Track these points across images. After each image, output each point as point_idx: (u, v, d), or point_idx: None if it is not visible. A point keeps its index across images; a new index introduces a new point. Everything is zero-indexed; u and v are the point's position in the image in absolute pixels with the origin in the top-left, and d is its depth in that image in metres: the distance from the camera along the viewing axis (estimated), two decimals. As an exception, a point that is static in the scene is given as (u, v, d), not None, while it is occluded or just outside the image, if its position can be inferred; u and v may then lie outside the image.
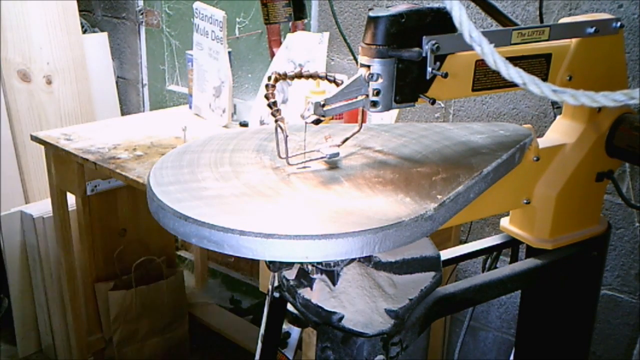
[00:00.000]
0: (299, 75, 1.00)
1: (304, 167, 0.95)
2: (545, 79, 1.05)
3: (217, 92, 2.21)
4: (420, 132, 1.11)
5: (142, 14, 2.82)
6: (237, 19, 2.42)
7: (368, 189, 0.88)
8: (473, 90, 1.01)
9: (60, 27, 2.62)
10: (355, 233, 0.76)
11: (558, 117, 1.18)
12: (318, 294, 0.92)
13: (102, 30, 2.93)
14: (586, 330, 1.26)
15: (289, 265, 0.92)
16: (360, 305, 0.90)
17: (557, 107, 1.26)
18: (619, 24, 1.07)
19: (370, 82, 0.91)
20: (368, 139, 1.07)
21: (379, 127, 1.14)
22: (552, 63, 1.06)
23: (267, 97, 0.97)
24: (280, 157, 0.95)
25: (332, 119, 1.58)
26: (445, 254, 1.14)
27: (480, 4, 1.11)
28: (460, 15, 0.76)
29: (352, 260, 0.92)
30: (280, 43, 2.06)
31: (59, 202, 2.16)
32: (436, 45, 0.91)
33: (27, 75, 2.54)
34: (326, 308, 0.89)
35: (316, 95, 1.75)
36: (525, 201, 1.11)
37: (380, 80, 0.90)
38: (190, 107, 2.37)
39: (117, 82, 2.95)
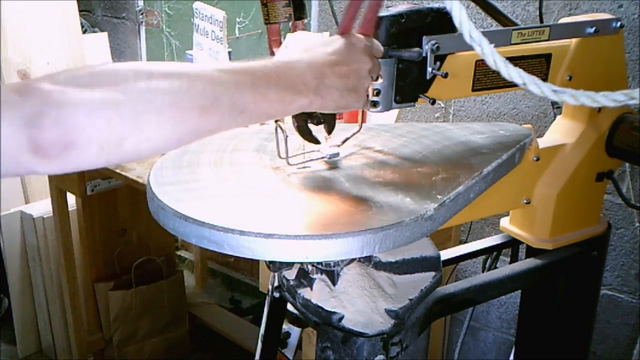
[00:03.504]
0: (299, 75, 1.00)
1: (304, 167, 0.95)
2: (545, 79, 1.05)
3: (217, 92, 2.21)
4: (420, 132, 1.11)
5: (142, 14, 2.82)
6: (237, 19, 2.42)
7: (368, 189, 0.88)
8: (473, 90, 1.01)
9: (60, 27, 2.62)
10: (355, 233, 0.76)
11: (558, 117, 1.17)
12: (318, 294, 0.92)
13: (102, 30, 2.93)
14: (586, 330, 1.26)
15: (289, 265, 0.92)
16: (360, 305, 0.90)
17: (557, 107, 1.27)
18: (619, 24, 1.07)
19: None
20: (368, 139, 1.07)
21: (379, 127, 1.14)
22: (552, 63, 1.06)
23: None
24: (280, 157, 0.95)
25: (332, 119, 1.58)
26: (445, 254, 1.14)
27: (480, 4, 1.11)
28: (460, 15, 0.76)
29: (352, 260, 0.92)
30: (280, 43, 2.06)
31: (59, 202, 2.16)
32: (436, 45, 0.91)
33: (27, 75, 2.54)
34: (326, 308, 0.89)
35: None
36: (525, 201, 1.11)
37: (380, 80, 0.90)
38: (190, 107, 2.37)
39: (117, 82, 2.95)
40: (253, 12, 2.38)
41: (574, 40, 1.07)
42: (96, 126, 0.61)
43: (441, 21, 0.90)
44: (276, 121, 0.95)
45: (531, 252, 1.15)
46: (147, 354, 2.46)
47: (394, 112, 1.83)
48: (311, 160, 0.96)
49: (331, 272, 0.92)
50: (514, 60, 0.97)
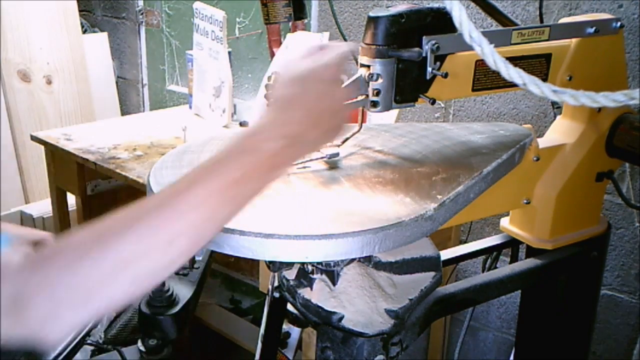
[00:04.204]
0: (299, 75, 1.00)
1: (304, 167, 0.95)
2: (545, 79, 1.05)
3: (217, 92, 2.21)
4: (420, 132, 1.11)
5: (142, 14, 2.82)
6: (237, 19, 2.42)
7: (368, 189, 0.88)
8: (473, 90, 1.01)
9: (60, 27, 2.62)
10: (355, 233, 0.76)
11: (558, 117, 1.17)
12: (318, 294, 0.92)
13: (102, 30, 2.93)
14: (586, 330, 1.26)
15: (289, 265, 0.92)
16: (360, 305, 0.90)
17: (557, 107, 1.26)
18: (619, 24, 1.07)
19: (370, 82, 0.91)
20: (368, 139, 1.07)
21: (379, 127, 1.14)
22: (552, 63, 1.06)
23: (267, 97, 0.96)
24: (280, 157, 0.94)
25: (332, 119, 1.57)
26: (445, 254, 1.14)
27: (480, 4, 1.11)
28: (460, 15, 0.76)
29: (352, 260, 0.92)
30: (280, 43, 2.05)
31: (59, 202, 2.16)
32: (436, 45, 0.91)
33: (27, 75, 2.54)
34: (326, 308, 0.89)
35: (316, 95, 1.74)
36: (525, 201, 1.11)
37: (380, 80, 0.90)
38: (190, 107, 2.37)
39: (117, 82, 2.95)
40: (253, 12, 2.38)
41: (574, 40, 1.07)
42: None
43: (441, 21, 0.90)
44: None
45: (531, 252, 1.15)
46: (147, 353, 2.45)
47: (394, 112, 1.83)
48: (311, 160, 0.96)
49: (331, 272, 0.92)
50: (514, 60, 0.97)
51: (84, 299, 0.61)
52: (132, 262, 0.62)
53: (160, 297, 1.45)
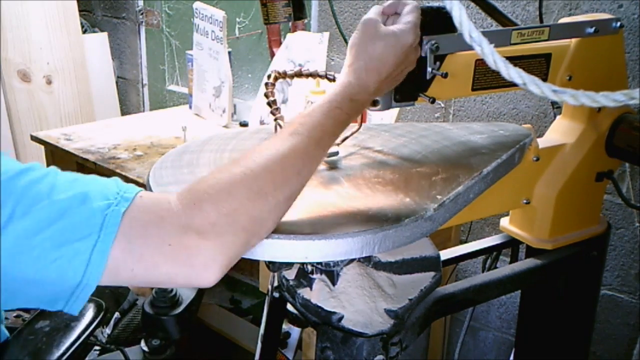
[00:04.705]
0: (299, 74, 1.00)
1: (304, 167, 0.94)
2: (545, 79, 1.05)
3: (217, 92, 2.21)
4: (420, 132, 1.11)
5: (142, 14, 2.81)
6: (237, 19, 2.42)
7: (368, 189, 0.88)
8: (473, 90, 1.01)
9: (60, 27, 2.62)
10: (355, 233, 0.76)
11: (558, 117, 1.17)
12: (318, 294, 0.92)
13: (102, 30, 2.93)
14: (586, 330, 1.26)
15: (289, 265, 0.92)
16: (359, 305, 0.90)
17: (557, 107, 1.26)
18: (618, 24, 1.07)
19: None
20: (368, 138, 1.07)
21: (378, 127, 1.14)
22: (552, 63, 1.06)
23: (266, 95, 0.97)
24: (279, 157, 0.94)
25: (332, 119, 1.57)
26: (445, 254, 1.14)
27: (480, 4, 1.11)
28: (460, 15, 0.76)
29: (352, 260, 0.92)
30: (280, 43, 2.06)
31: (58, 202, 2.16)
32: (436, 45, 0.91)
33: (27, 75, 2.54)
34: (326, 308, 0.89)
35: (316, 95, 1.75)
36: (525, 201, 1.11)
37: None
38: (190, 107, 2.37)
39: (117, 82, 2.95)
40: (253, 12, 2.38)
41: (573, 40, 1.07)
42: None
43: (441, 21, 0.90)
44: (275, 119, 0.95)
45: (531, 252, 1.15)
46: (147, 353, 2.45)
47: (394, 112, 1.83)
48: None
49: (331, 272, 0.92)
50: (514, 60, 0.96)
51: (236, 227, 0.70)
52: (269, 194, 0.73)
53: (163, 298, 1.45)
